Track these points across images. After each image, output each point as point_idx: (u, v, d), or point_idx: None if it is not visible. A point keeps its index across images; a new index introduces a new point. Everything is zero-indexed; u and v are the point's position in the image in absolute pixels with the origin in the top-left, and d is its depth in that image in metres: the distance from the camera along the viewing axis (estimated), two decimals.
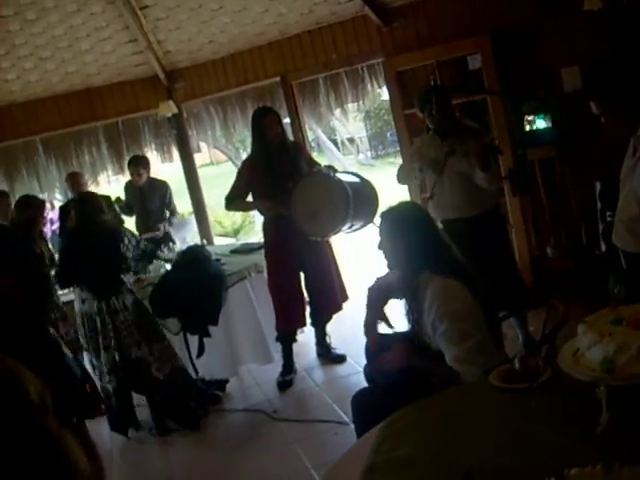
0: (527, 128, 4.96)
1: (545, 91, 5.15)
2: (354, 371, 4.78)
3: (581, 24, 5.01)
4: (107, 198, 5.43)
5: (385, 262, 2.98)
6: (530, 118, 4.91)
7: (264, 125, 4.74)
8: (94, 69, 6.94)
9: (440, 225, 4.37)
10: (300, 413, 4.50)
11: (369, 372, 3.40)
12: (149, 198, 6.41)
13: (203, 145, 19.44)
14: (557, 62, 5.20)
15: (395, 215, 2.95)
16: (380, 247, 2.93)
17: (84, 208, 4.47)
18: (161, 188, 6.52)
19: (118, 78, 7.13)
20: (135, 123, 7.44)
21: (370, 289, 3.24)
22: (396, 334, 3.26)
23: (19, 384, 0.84)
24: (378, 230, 2.96)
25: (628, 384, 1.77)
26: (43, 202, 5.56)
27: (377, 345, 3.13)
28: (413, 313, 2.92)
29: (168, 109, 7.05)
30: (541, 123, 4.91)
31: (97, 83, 7.09)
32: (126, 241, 4.39)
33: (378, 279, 3.22)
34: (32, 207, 5.25)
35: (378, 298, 3.20)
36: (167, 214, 6.40)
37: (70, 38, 6.59)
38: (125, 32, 6.67)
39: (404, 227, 2.86)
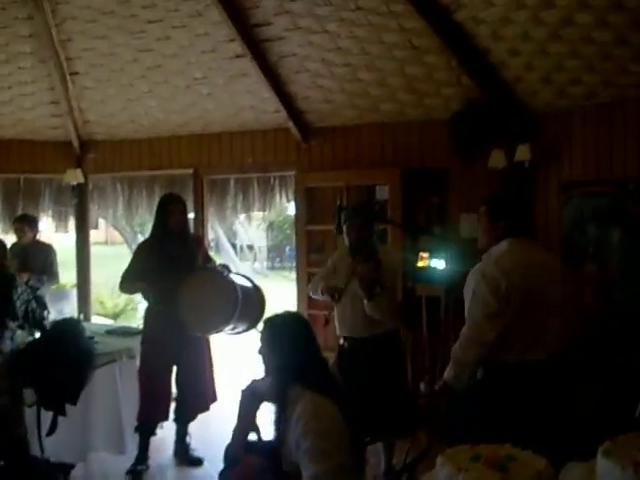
0: (420, 264, 5.13)
1: (443, 232, 5.41)
2: (209, 477, 4.59)
3: (483, 177, 5.38)
4: None
5: (263, 368, 2.95)
6: (425, 255, 5.09)
7: (169, 212, 4.72)
8: (8, 121, 6.82)
9: (341, 340, 4.39)
10: None
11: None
12: (32, 259, 6.20)
13: (101, 223, 19.09)
14: (458, 207, 5.51)
15: (277, 323, 2.94)
16: (260, 352, 2.91)
17: None
18: (45, 250, 6.37)
19: (30, 136, 7.01)
20: (37, 184, 7.27)
21: (244, 392, 3.16)
22: (261, 443, 3.17)
23: None
24: (260, 335, 2.94)
25: None
26: None
27: (242, 454, 3.03)
28: (280, 424, 2.87)
29: (74, 177, 6.95)
30: (434, 262, 5.10)
31: (7, 135, 6.95)
32: (19, 291, 4.24)
33: (254, 381, 3.15)
34: None
35: (251, 403, 3.13)
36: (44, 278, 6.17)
37: None
38: (49, 93, 6.62)
39: (283, 336, 2.85)
